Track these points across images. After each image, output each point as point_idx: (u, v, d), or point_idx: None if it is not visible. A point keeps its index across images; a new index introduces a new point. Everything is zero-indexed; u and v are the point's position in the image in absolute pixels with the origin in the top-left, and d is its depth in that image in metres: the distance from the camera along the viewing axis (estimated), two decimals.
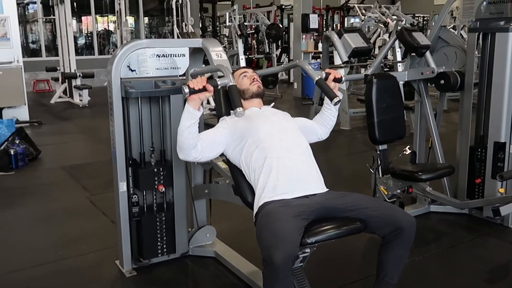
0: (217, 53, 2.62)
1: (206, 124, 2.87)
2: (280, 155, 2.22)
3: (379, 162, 3.26)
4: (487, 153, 3.35)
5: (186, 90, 2.07)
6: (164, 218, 2.76)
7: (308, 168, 2.27)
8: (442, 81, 3.46)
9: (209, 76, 2.55)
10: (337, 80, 2.41)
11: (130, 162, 2.64)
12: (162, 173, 2.68)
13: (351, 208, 2.12)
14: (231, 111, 2.39)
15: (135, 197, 2.66)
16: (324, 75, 2.38)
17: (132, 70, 2.57)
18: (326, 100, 2.46)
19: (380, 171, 3.26)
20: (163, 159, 2.73)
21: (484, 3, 3.35)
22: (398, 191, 3.27)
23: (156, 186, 2.68)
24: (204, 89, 2.09)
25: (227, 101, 2.52)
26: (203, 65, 2.88)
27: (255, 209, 2.18)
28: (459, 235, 3.31)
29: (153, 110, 2.71)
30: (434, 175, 3.27)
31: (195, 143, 2.19)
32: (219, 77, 2.18)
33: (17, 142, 5.02)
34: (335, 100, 2.28)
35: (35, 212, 3.80)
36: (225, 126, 2.34)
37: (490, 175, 3.34)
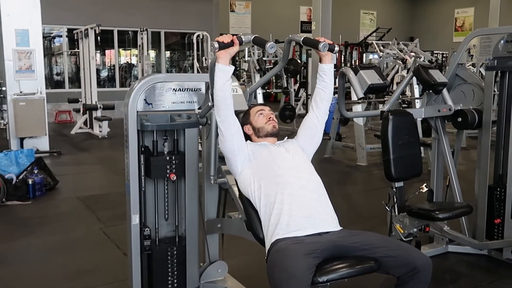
0: (232, 88, 2.63)
1: (220, 157, 2.88)
2: (292, 192, 2.21)
3: (395, 200, 3.21)
4: (506, 193, 3.28)
5: (216, 45, 2.16)
6: (175, 252, 2.73)
7: (321, 205, 2.24)
8: (460, 119, 3.43)
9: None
10: (329, 47, 2.30)
11: (143, 149, 2.61)
12: (174, 162, 2.63)
13: (365, 247, 2.08)
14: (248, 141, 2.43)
15: (147, 230, 2.65)
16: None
17: (148, 104, 2.60)
18: (318, 70, 2.45)
19: (396, 209, 3.20)
20: (176, 149, 2.70)
21: (502, 41, 3.34)
22: (415, 230, 3.19)
23: (168, 175, 2.64)
24: (232, 44, 2.16)
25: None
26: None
27: (267, 245, 2.15)
28: (477, 277, 3.21)
29: (169, 143, 2.72)
30: (452, 214, 3.19)
31: (232, 105, 2.26)
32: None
33: (36, 172, 5.09)
34: (321, 44, 2.23)
35: (49, 242, 3.81)
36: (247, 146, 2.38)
37: (510, 215, 3.26)
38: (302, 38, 2.37)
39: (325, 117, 2.54)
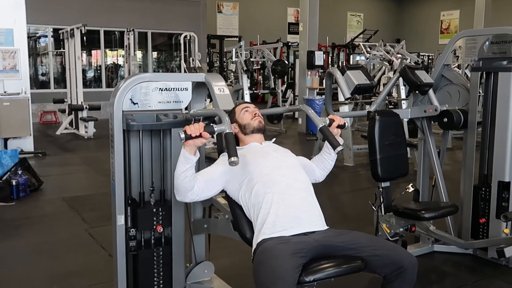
0: (219, 87, 2.62)
1: (207, 158, 2.86)
2: (280, 191, 2.20)
3: (381, 200, 3.22)
4: (491, 193, 3.31)
5: (182, 135, 2.09)
6: (161, 253, 2.71)
7: (308, 205, 2.24)
8: (445, 119, 3.45)
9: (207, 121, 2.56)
10: (341, 127, 2.42)
11: (129, 201, 2.61)
12: (161, 213, 2.65)
13: (351, 246, 2.08)
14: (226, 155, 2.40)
15: (132, 231, 2.62)
16: (327, 122, 2.39)
17: (134, 103, 2.57)
18: (327, 145, 2.46)
19: (382, 209, 3.22)
20: (162, 198, 2.71)
21: (487, 43, 3.37)
22: (401, 229, 3.21)
23: (154, 227, 2.65)
24: (200, 136, 2.10)
25: None
26: (207, 100, 2.89)
27: (254, 245, 2.15)
28: (463, 276, 3.23)
29: (154, 143, 2.70)
30: (438, 214, 3.22)
31: (191, 186, 2.21)
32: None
33: (20, 172, 5.02)
34: (338, 149, 2.28)
35: (33, 243, 3.76)
36: (224, 162, 2.32)
37: (494, 215, 3.29)
38: (320, 126, 2.33)
39: (321, 181, 2.61)
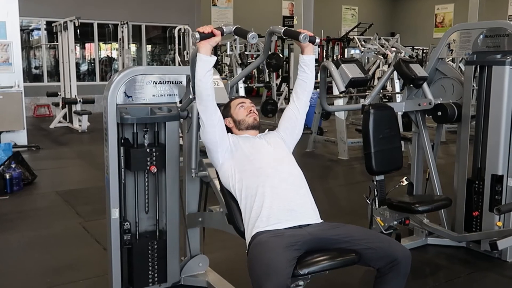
0: (214, 80, 2.61)
1: (202, 151, 2.86)
2: (273, 185, 2.20)
3: (375, 193, 3.23)
4: (484, 186, 3.33)
5: (197, 35, 2.16)
6: (156, 246, 2.72)
7: (302, 198, 2.24)
8: (439, 113, 3.46)
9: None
10: (310, 39, 2.31)
11: (122, 141, 2.58)
12: (154, 154, 2.63)
13: (346, 239, 2.09)
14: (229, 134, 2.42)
15: (127, 224, 2.62)
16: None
17: (128, 96, 2.57)
18: (299, 61, 2.45)
19: (376, 202, 3.23)
20: (156, 141, 2.69)
21: (481, 36, 3.38)
22: (395, 222, 3.23)
23: (148, 167, 2.62)
24: (212, 34, 2.17)
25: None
26: None
27: (248, 239, 2.15)
28: (456, 269, 3.25)
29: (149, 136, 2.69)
30: (431, 207, 3.23)
31: (213, 95, 2.25)
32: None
33: (13, 166, 4.99)
34: (302, 35, 2.24)
35: (27, 237, 3.75)
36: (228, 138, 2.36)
37: (487, 208, 3.31)
38: (283, 29, 2.36)
39: (306, 109, 2.52)
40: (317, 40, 2.35)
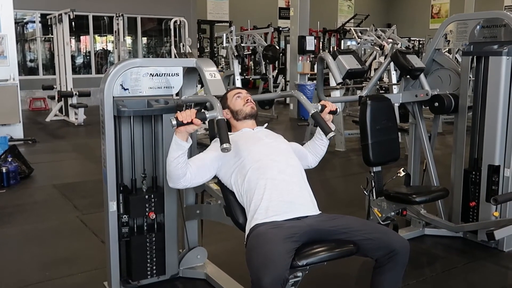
0: (210, 72, 2.61)
1: (199, 144, 2.86)
2: (272, 177, 2.20)
3: (373, 184, 3.24)
4: (481, 176, 3.34)
5: (174, 122, 2.09)
6: (154, 238, 2.72)
7: (300, 190, 2.24)
8: (436, 104, 3.46)
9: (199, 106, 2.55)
10: (332, 113, 2.42)
11: (121, 188, 2.60)
12: (153, 200, 2.65)
13: (344, 230, 2.09)
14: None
15: (125, 217, 2.62)
16: (319, 108, 2.39)
17: (125, 89, 2.56)
18: (319, 131, 2.47)
19: (374, 193, 3.23)
20: (154, 185, 2.70)
21: (478, 27, 3.37)
22: (392, 213, 3.23)
23: (147, 213, 2.65)
24: (191, 122, 2.10)
25: None
26: (198, 85, 2.87)
27: (247, 231, 2.15)
28: (453, 259, 3.27)
29: (146, 129, 2.68)
30: (428, 198, 3.24)
31: (184, 172, 2.21)
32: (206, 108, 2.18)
33: (10, 160, 4.98)
34: (330, 135, 2.28)
35: (24, 231, 3.75)
36: (216, 148, 2.32)
37: (484, 198, 3.32)
38: (312, 112, 2.34)
39: (314, 166, 2.62)
40: (339, 111, 2.41)
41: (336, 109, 2.46)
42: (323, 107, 2.40)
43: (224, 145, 2.00)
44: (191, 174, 2.24)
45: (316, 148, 2.55)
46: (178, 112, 2.14)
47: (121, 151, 2.61)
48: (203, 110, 2.19)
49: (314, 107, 2.37)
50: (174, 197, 2.74)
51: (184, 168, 2.21)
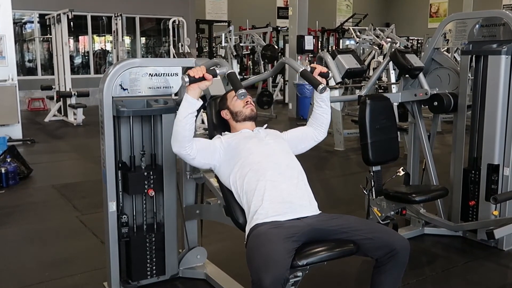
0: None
1: None
2: (272, 178, 2.20)
3: (372, 184, 3.23)
4: (480, 175, 3.34)
5: (186, 79, 2.10)
6: (154, 239, 2.72)
7: (300, 191, 2.24)
8: (436, 103, 3.46)
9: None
10: (323, 75, 2.35)
11: (120, 165, 2.58)
12: (152, 177, 2.63)
13: (344, 230, 2.09)
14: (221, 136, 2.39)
15: (124, 217, 2.62)
16: (309, 69, 2.35)
17: (124, 89, 2.55)
18: (315, 95, 2.43)
19: (373, 193, 3.23)
20: (153, 163, 2.69)
21: (477, 26, 3.37)
22: (392, 213, 3.23)
23: (146, 190, 2.63)
24: (203, 78, 2.12)
25: (220, 121, 2.51)
26: None
27: (247, 231, 2.15)
28: (453, 258, 3.27)
29: (145, 129, 2.68)
30: (428, 197, 3.24)
31: (190, 136, 2.20)
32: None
33: (9, 160, 4.97)
34: (320, 87, 2.23)
35: (24, 231, 3.74)
36: (219, 142, 2.32)
37: (484, 197, 3.32)
38: (301, 70, 2.32)
39: (323, 138, 2.55)
40: (330, 75, 2.36)
41: (327, 71, 2.37)
42: (313, 68, 2.34)
43: (240, 91, 2.03)
44: (197, 147, 2.23)
45: (318, 118, 2.49)
46: (189, 69, 2.15)
47: (121, 151, 2.61)
48: (212, 68, 2.19)
49: (303, 67, 2.34)
50: (173, 175, 2.71)
51: (192, 132, 2.19)
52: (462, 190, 3.47)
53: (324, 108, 2.46)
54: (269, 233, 1.98)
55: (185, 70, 2.46)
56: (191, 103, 2.14)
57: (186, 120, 2.15)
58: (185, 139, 2.18)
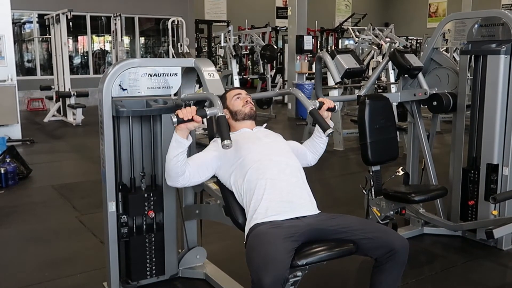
0: (209, 72, 2.61)
1: (198, 144, 2.85)
2: (272, 177, 2.20)
3: (371, 183, 3.24)
4: (480, 175, 3.34)
5: (174, 119, 2.09)
6: (153, 239, 2.72)
7: (299, 190, 2.24)
8: (435, 103, 3.46)
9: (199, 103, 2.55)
10: (330, 110, 2.42)
11: (120, 187, 2.60)
12: (152, 198, 2.65)
13: (343, 230, 2.09)
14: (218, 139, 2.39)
15: (124, 217, 2.62)
16: (317, 105, 2.39)
17: (123, 89, 2.55)
18: (318, 128, 2.46)
19: (373, 192, 3.24)
20: (153, 183, 2.70)
21: (476, 26, 3.38)
22: (391, 212, 3.24)
23: (146, 212, 2.65)
24: (192, 119, 2.10)
25: None
26: (196, 85, 2.87)
27: (246, 230, 2.15)
28: (452, 258, 3.28)
29: (144, 129, 2.68)
30: (427, 196, 3.24)
31: (183, 171, 2.21)
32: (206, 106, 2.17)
33: (8, 160, 4.97)
34: (328, 131, 2.28)
35: (23, 231, 3.74)
36: (216, 148, 2.32)
37: (483, 197, 3.32)
38: (310, 109, 2.35)
39: (312, 165, 2.61)
40: (337, 108, 2.40)
41: (334, 106, 2.45)
42: (321, 104, 2.40)
43: (225, 142, 2.01)
44: (190, 173, 2.24)
45: (315, 145, 2.54)
46: (179, 109, 2.13)
47: (120, 151, 2.61)
48: (203, 107, 2.19)
49: (312, 104, 2.37)
50: (173, 196, 2.74)
51: (183, 167, 2.21)
52: (462, 190, 3.47)
53: (323, 139, 2.52)
54: (269, 233, 1.98)
55: (175, 109, 2.45)
56: (180, 143, 2.15)
57: (177, 159, 2.16)
58: (178, 175, 2.22)
